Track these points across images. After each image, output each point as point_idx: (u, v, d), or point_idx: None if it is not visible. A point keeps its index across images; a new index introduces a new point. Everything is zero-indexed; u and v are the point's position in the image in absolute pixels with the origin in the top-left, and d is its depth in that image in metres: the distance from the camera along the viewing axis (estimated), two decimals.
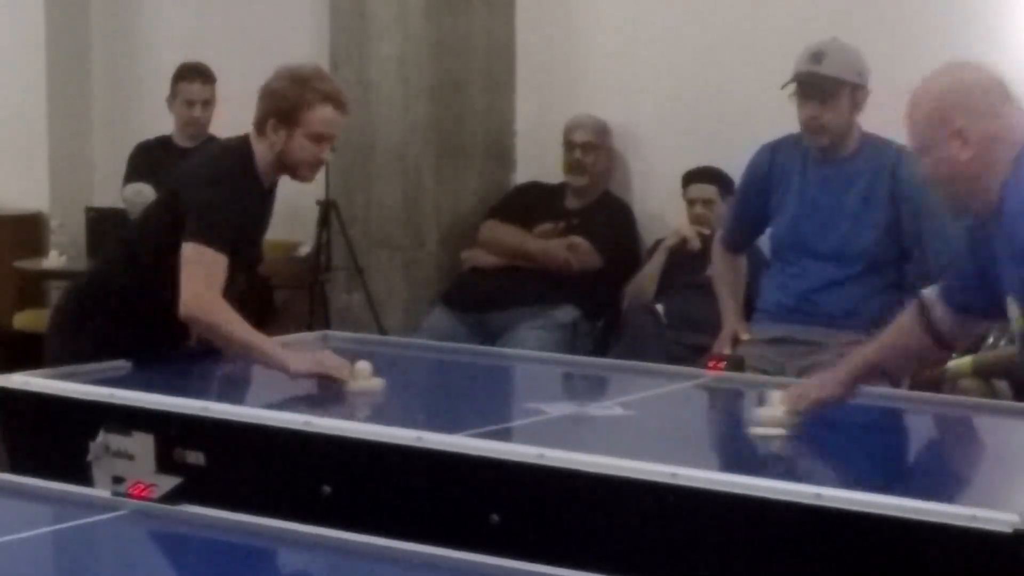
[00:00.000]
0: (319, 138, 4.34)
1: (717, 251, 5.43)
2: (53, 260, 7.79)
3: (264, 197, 4.47)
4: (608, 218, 6.79)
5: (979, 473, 3.80)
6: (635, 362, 4.97)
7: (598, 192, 6.88)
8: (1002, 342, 5.26)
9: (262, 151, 4.36)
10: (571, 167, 6.84)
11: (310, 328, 6.18)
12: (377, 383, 4.17)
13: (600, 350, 6.30)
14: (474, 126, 7.14)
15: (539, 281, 6.64)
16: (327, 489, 3.53)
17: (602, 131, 6.88)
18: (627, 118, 6.93)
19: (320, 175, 6.77)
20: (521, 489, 3.37)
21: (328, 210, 6.82)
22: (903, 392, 4.69)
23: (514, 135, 7.28)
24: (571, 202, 6.87)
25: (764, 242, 5.50)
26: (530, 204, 6.91)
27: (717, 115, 6.68)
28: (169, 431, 3.73)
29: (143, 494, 3.04)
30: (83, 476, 3.67)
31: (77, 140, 8.43)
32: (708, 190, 6.49)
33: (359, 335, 5.72)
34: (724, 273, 5.36)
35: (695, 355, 5.55)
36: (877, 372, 3.87)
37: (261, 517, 2.95)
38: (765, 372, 4.84)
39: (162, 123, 7.10)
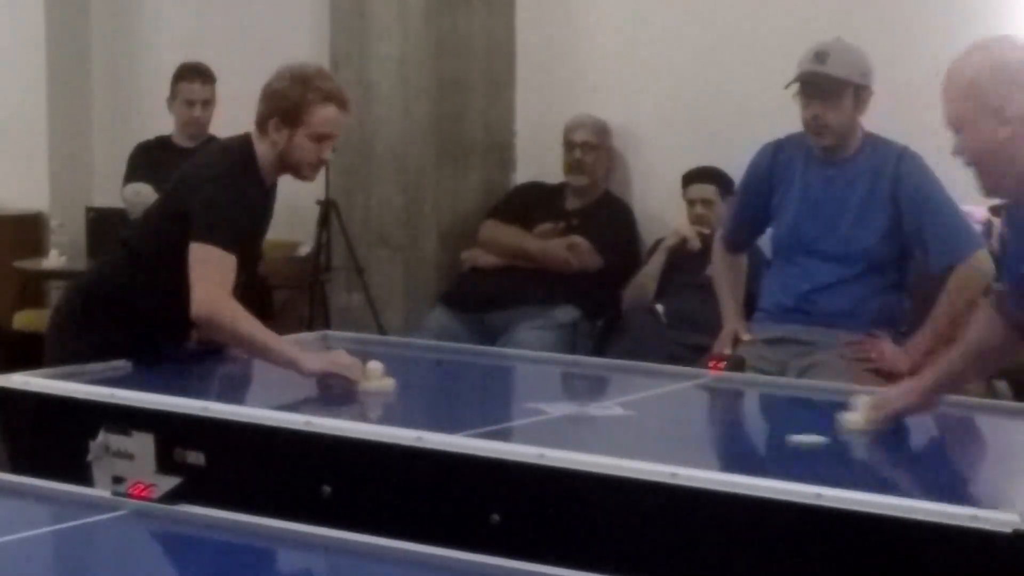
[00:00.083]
0: (321, 137, 4.34)
1: (717, 250, 5.43)
2: (53, 260, 7.79)
3: (265, 196, 4.48)
4: (608, 218, 6.79)
5: (979, 473, 3.81)
6: (635, 362, 4.96)
7: (598, 192, 6.88)
8: None
9: (264, 150, 4.36)
10: (571, 167, 6.84)
11: (310, 328, 6.18)
12: (389, 383, 4.18)
13: (600, 350, 6.30)
14: (474, 126, 7.14)
15: (539, 281, 6.64)
16: (327, 489, 3.53)
17: (602, 131, 6.88)
18: (627, 118, 6.94)
19: (320, 175, 6.81)
20: (521, 489, 3.37)
21: (328, 210, 6.82)
22: None
23: (514, 135, 7.29)
24: (571, 202, 6.87)
25: (764, 242, 5.50)
26: (530, 204, 6.91)
27: (717, 115, 6.68)
28: (169, 431, 3.73)
29: (143, 494, 3.04)
30: (83, 476, 3.67)
31: (77, 140, 8.44)
32: (708, 190, 6.49)
33: (359, 335, 5.72)
34: (724, 273, 5.36)
35: (695, 355, 5.55)
36: (962, 379, 3.82)
37: (261, 517, 2.95)
38: (765, 372, 4.84)
39: (162, 123, 7.10)
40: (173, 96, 6.94)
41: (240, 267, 4.35)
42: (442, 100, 6.99)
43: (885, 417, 3.73)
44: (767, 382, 4.65)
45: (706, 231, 6.33)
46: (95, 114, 8.47)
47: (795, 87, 4.99)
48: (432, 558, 2.77)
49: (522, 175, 7.23)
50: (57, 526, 3.13)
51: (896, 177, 4.97)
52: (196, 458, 3.68)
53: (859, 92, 4.98)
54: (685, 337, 6.04)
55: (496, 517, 3.34)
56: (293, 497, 3.52)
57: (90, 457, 3.74)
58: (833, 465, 3.71)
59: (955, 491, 3.35)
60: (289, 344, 4.28)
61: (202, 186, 4.33)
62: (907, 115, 5.66)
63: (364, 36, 6.99)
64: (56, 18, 8.35)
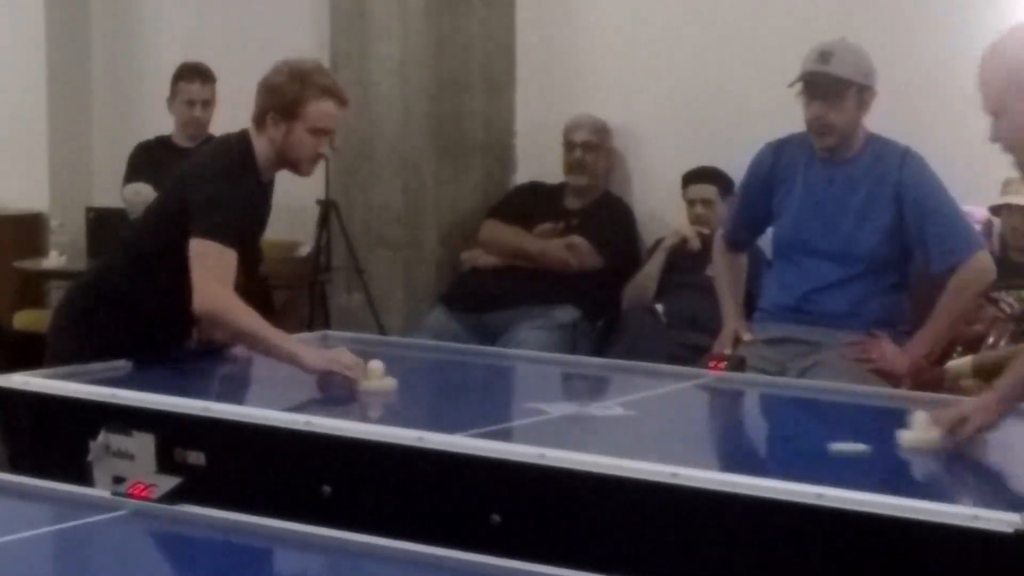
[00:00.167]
0: (319, 132, 4.35)
1: (718, 250, 5.42)
2: (53, 260, 7.79)
3: (264, 192, 4.48)
4: (608, 218, 6.79)
5: (980, 473, 3.80)
6: (635, 362, 4.96)
7: (598, 192, 6.88)
8: (1002, 342, 5.26)
9: (261, 146, 4.37)
10: (571, 167, 6.84)
11: (310, 328, 6.18)
12: (390, 382, 4.18)
13: (600, 350, 6.30)
14: (474, 126, 7.13)
15: (539, 281, 6.64)
16: (327, 489, 3.53)
17: (602, 131, 6.88)
18: (627, 118, 6.93)
19: (320, 175, 6.82)
20: (522, 489, 3.37)
21: (328, 210, 6.82)
22: (903, 392, 4.69)
23: (514, 135, 7.29)
24: (571, 202, 6.87)
25: (765, 242, 5.50)
26: (530, 204, 6.91)
27: (717, 115, 6.68)
28: (170, 431, 3.72)
29: (143, 494, 3.04)
30: (83, 476, 3.67)
31: (77, 140, 8.44)
32: (708, 190, 6.49)
33: (359, 335, 5.72)
34: (725, 272, 5.36)
35: (695, 355, 5.55)
36: None
37: (261, 517, 2.95)
38: (766, 372, 4.84)
39: (162, 123, 7.10)
40: (173, 96, 6.94)
41: (240, 264, 4.35)
42: (442, 100, 6.99)
43: (968, 436, 3.55)
44: (767, 382, 4.65)
45: (706, 231, 6.33)
46: (95, 114, 8.47)
47: (798, 86, 4.99)
48: (432, 558, 2.77)
49: (522, 175, 7.23)
50: (57, 526, 3.13)
51: (899, 177, 4.96)
52: (196, 458, 3.68)
53: (862, 92, 4.97)
54: (685, 337, 6.04)
55: (496, 517, 3.33)
56: (293, 497, 3.51)
57: (90, 457, 3.73)
58: (834, 465, 3.71)
59: (956, 491, 3.35)
60: (291, 340, 4.28)
61: (201, 182, 4.33)
62: (907, 115, 5.67)
63: (364, 36, 6.99)
64: (56, 18, 8.35)
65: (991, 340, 5.28)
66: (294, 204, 7.30)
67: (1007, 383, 3.67)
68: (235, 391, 4.56)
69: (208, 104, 6.87)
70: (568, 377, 4.93)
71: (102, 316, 4.43)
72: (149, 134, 7.14)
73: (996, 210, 5.87)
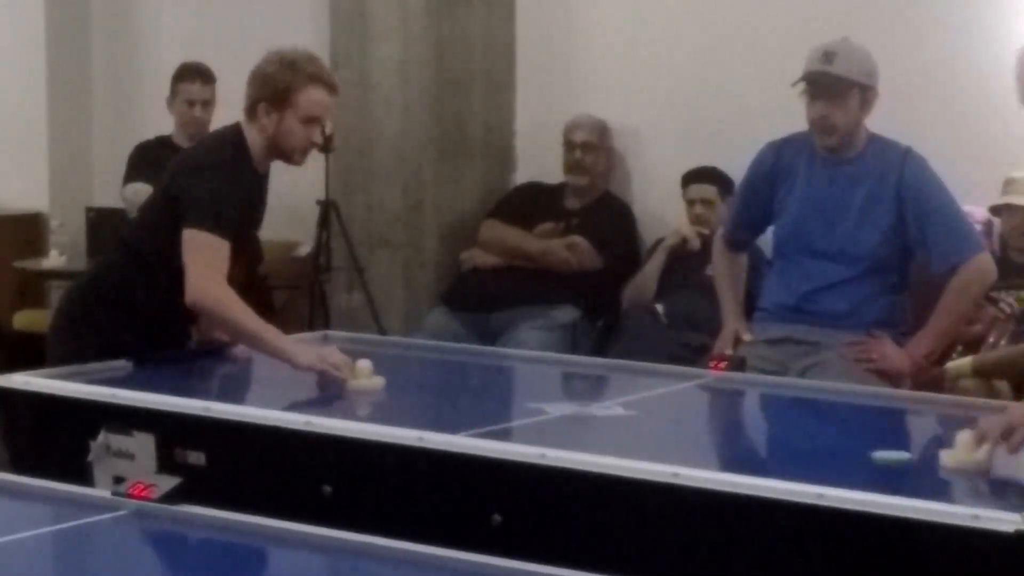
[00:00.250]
0: (310, 120, 4.36)
1: (718, 249, 5.42)
2: (53, 260, 7.80)
3: (259, 183, 4.48)
4: (608, 218, 6.79)
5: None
6: (635, 362, 4.96)
7: (598, 192, 6.87)
8: (1002, 342, 5.26)
9: (254, 136, 4.38)
10: (571, 167, 6.84)
11: (310, 328, 6.18)
12: (378, 382, 4.18)
13: (600, 350, 6.30)
14: (474, 126, 7.13)
15: (539, 281, 6.64)
16: (328, 489, 3.53)
17: (602, 131, 6.88)
18: (627, 118, 6.93)
19: (320, 175, 6.83)
20: (523, 489, 3.37)
21: (328, 210, 6.82)
22: (903, 392, 4.70)
23: (514, 135, 7.28)
24: (571, 202, 6.87)
25: (764, 241, 5.50)
26: (530, 204, 6.91)
27: (717, 115, 6.68)
28: (170, 431, 3.72)
29: (143, 494, 3.04)
30: (83, 476, 3.67)
31: (77, 140, 8.44)
32: (708, 190, 6.49)
33: (359, 335, 5.72)
34: (725, 272, 5.36)
35: (695, 355, 5.55)
36: None
37: (261, 517, 2.95)
38: (766, 372, 4.84)
39: (162, 123, 7.09)
40: (173, 96, 6.94)
41: (236, 257, 4.36)
42: (442, 100, 6.99)
43: (1017, 444, 3.36)
44: (767, 382, 4.65)
45: (706, 231, 6.33)
46: (95, 114, 8.46)
47: (800, 86, 4.99)
48: (432, 558, 2.77)
49: (522, 175, 7.23)
50: (57, 526, 3.13)
51: (900, 178, 4.96)
52: (196, 458, 3.68)
53: (865, 92, 4.97)
54: (685, 337, 6.04)
55: (497, 517, 3.33)
56: (293, 497, 3.51)
57: (90, 457, 3.73)
58: (834, 465, 3.70)
59: (957, 491, 3.35)
60: (282, 336, 4.28)
61: (194, 174, 4.34)
62: (907, 115, 5.67)
63: (364, 36, 6.99)
64: (56, 18, 8.35)
65: (991, 340, 5.28)
66: (294, 204, 7.30)
67: None
68: (235, 391, 4.56)
69: (208, 104, 6.87)
70: (568, 377, 4.92)
71: (102, 315, 4.43)
72: (149, 134, 7.13)
73: (996, 210, 5.87)
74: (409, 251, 7.02)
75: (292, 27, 7.57)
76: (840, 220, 4.99)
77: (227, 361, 4.50)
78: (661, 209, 6.82)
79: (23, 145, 8.36)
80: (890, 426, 4.29)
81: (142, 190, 6.47)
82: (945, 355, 5.13)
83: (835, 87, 4.94)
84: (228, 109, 6.52)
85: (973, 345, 5.28)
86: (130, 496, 3.05)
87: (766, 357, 4.96)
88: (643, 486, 3.22)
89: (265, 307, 6.91)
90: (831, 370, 4.81)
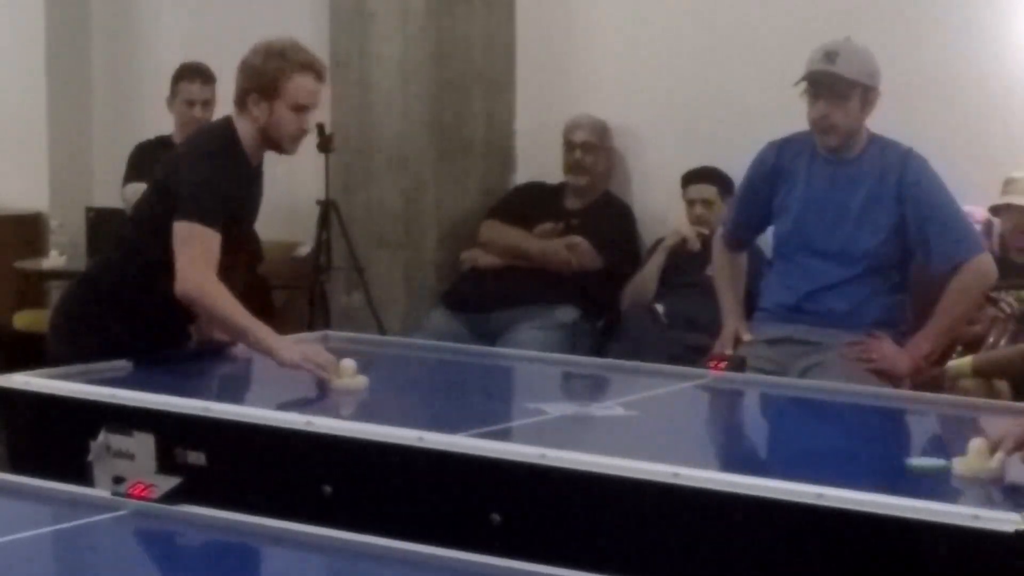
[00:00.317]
0: (300, 108, 4.38)
1: (718, 248, 5.42)
2: (53, 260, 7.80)
3: (252, 175, 4.48)
4: (608, 218, 6.79)
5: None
6: (635, 362, 4.96)
7: (598, 192, 6.87)
8: (1002, 342, 5.26)
9: (245, 127, 4.39)
10: (571, 167, 6.84)
11: (310, 328, 6.18)
12: (361, 381, 4.18)
13: (600, 350, 6.30)
14: (474, 126, 7.13)
15: (539, 281, 6.64)
16: (328, 489, 3.53)
17: (602, 131, 6.88)
18: (627, 118, 6.93)
19: (320, 175, 6.83)
20: (522, 489, 3.37)
21: (328, 210, 6.82)
22: (903, 392, 4.70)
23: (514, 135, 7.28)
24: (571, 202, 6.87)
25: (764, 241, 5.50)
26: (530, 204, 6.90)
27: (717, 115, 6.68)
28: (170, 431, 3.72)
29: (143, 494, 3.04)
30: (83, 476, 3.66)
31: (77, 140, 8.44)
32: (708, 190, 6.49)
33: (359, 335, 5.72)
34: (725, 271, 5.36)
35: (695, 355, 5.54)
36: None
37: (261, 517, 2.95)
38: (767, 372, 4.84)
39: (162, 123, 7.09)
40: (173, 96, 6.94)
41: (232, 250, 4.36)
42: (442, 100, 6.99)
43: None
44: (768, 382, 4.65)
45: (706, 231, 6.33)
46: (95, 114, 8.47)
47: (802, 86, 4.99)
48: (432, 558, 2.77)
49: (522, 175, 7.23)
50: (57, 526, 3.13)
51: (901, 178, 4.96)
52: (196, 458, 3.68)
53: (867, 93, 4.97)
54: (685, 337, 6.04)
55: (496, 517, 3.33)
56: (293, 497, 3.51)
57: (90, 457, 3.73)
58: (835, 465, 3.70)
59: (957, 491, 3.34)
60: (269, 331, 4.28)
61: (184, 167, 4.36)
62: (908, 115, 5.67)
63: (364, 36, 6.99)
64: (56, 18, 8.35)
65: (991, 340, 5.28)
66: (294, 204, 7.31)
67: None
68: (235, 391, 4.56)
69: (208, 104, 6.87)
70: (568, 377, 4.92)
71: (100, 313, 4.43)
72: (149, 134, 7.14)
73: (996, 210, 5.87)
74: (409, 251, 7.02)
75: (292, 27, 7.51)
76: (840, 220, 4.99)
77: (227, 361, 4.50)
78: (661, 209, 6.82)
79: (23, 145, 8.37)
80: (890, 426, 4.29)
81: (142, 190, 6.47)
82: (945, 355, 5.13)
83: (837, 87, 4.93)
84: (228, 109, 6.52)
85: (973, 345, 5.28)
86: (130, 496, 3.05)
87: (766, 357, 4.95)
88: (643, 486, 3.22)
89: (265, 307, 6.92)
90: (831, 370, 4.81)
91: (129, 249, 4.50)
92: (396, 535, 2.84)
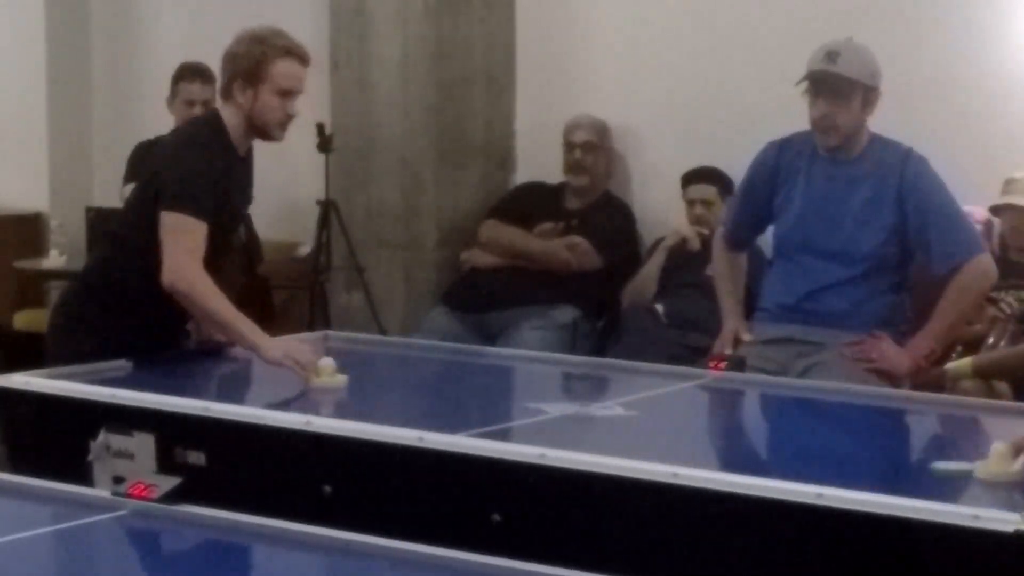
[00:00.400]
0: (285, 93, 4.40)
1: (718, 248, 5.42)
2: (53, 260, 7.80)
3: (242, 165, 4.48)
4: (608, 218, 6.79)
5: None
6: (635, 362, 4.96)
7: (598, 192, 6.87)
8: (1002, 342, 5.26)
9: (231, 116, 4.41)
10: (571, 167, 6.84)
11: (310, 328, 6.18)
12: (340, 380, 4.19)
13: (600, 350, 6.30)
14: (474, 126, 7.13)
15: (539, 281, 6.64)
16: (328, 489, 3.53)
17: (602, 131, 6.88)
18: (627, 118, 6.93)
19: (320, 175, 6.83)
20: (522, 489, 3.37)
21: (328, 210, 6.81)
22: (903, 392, 4.70)
23: (514, 135, 7.28)
24: (571, 202, 6.87)
25: (764, 241, 5.50)
26: (530, 204, 6.90)
27: (717, 115, 6.68)
28: (170, 431, 3.72)
29: (143, 494, 3.04)
30: (83, 476, 3.66)
31: (77, 140, 8.44)
32: (708, 190, 6.49)
33: (359, 335, 5.72)
34: (725, 271, 5.35)
35: (695, 355, 5.54)
36: None
37: (261, 517, 2.95)
38: (766, 372, 4.84)
39: (162, 123, 7.07)
40: (173, 96, 6.93)
41: (222, 240, 4.37)
42: (442, 100, 6.99)
43: None
44: (767, 382, 4.65)
45: (706, 231, 6.33)
46: (95, 114, 8.46)
47: (803, 85, 4.99)
48: (432, 558, 2.77)
49: (522, 175, 7.23)
50: (57, 526, 3.13)
51: (901, 178, 4.96)
52: (196, 458, 3.68)
53: (868, 93, 4.97)
54: (685, 337, 6.04)
55: (497, 517, 3.33)
56: (293, 497, 3.51)
57: (90, 457, 3.73)
58: (836, 465, 3.70)
59: (957, 491, 3.34)
60: (253, 326, 4.28)
61: (170, 159, 4.37)
62: (908, 115, 5.67)
63: (364, 36, 6.99)
64: (56, 18, 8.35)
65: (991, 340, 5.28)
66: (294, 204, 7.32)
67: None
68: (235, 391, 4.56)
69: (208, 104, 6.83)
70: (568, 377, 4.92)
71: (97, 310, 4.43)
72: (149, 134, 7.12)
73: (996, 210, 5.87)
74: (409, 251, 7.02)
75: (292, 27, 7.49)
76: (841, 220, 4.99)
77: (227, 361, 4.50)
78: (661, 209, 6.81)
79: (23, 145, 8.36)
80: (890, 426, 4.29)
81: None
82: (945, 355, 5.13)
83: (838, 87, 4.93)
84: None
85: (973, 345, 5.28)
86: (130, 496, 3.05)
87: (766, 357, 4.95)
88: (643, 486, 3.22)
89: (265, 307, 6.93)
90: (831, 370, 4.81)
91: (121, 245, 4.51)
92: (396, 535, 2.84)
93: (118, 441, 3.70)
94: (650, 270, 6.49)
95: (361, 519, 3.04)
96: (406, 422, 3.67)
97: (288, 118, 4.44)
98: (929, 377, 5.00)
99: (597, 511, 3.30)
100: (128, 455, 3.68)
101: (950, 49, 6.25)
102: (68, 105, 8.40)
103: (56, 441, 3.96)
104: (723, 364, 4.68)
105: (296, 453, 3.64)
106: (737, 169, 5.60)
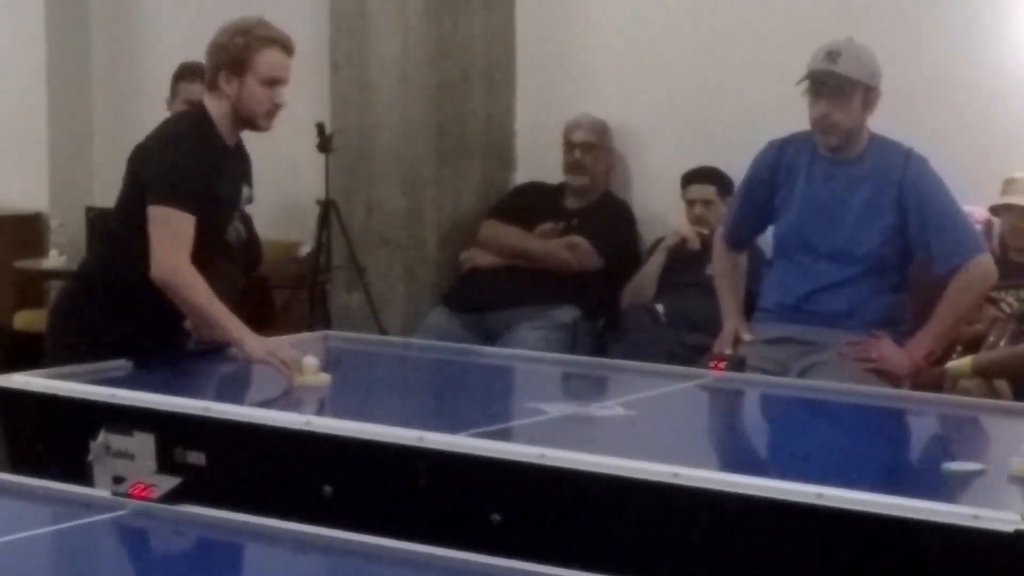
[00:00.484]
0: (271, 82, 4.40)
1: (718, 248, 5.42)
2: (53, 260, 7.80)
3: (233, 156, 4.48)
4: (608, 218, 6.79)
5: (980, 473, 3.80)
6: (635, 362, 4.96)
7: (598, 192, 6.87)
8: (1002, 342, 5.26)
9: (218, 107, 4.41)
10: (571, 167, 6.84)
11: (310, 328, 6.17)
12: (323, 379, 4.19)
13: (600, 350, 6.30)
14: (474, 126, 7.13)
15: (539, 281, 6.63)
16: (328, 489, 3.53)
17: (602, 131, 6.88)
18: (627, 118, 6.93)
19: (320, 175, 6.83)
20: (522, 489, 3.37)
21: (328, 210, 6.82)
22: (903, 392, 4.70)
23: (514, 135, 7.28)
24: (571, 202, 6.87)
25: (764, 241, 5.50)
26: (530, 204, 6.90)
27: (717, 115, 6.68)
28: (170, 431, 3.72)
29: (143, 494, 3.04)
30: (83, 476, 3.67)
31: (77, 140, 8.43)
32: (708, 190, 6.49)
33: (359, 335, 5.72)
34: (725, 271, 5.35)
35: (695, 355, 5.55)
36: None
37: (261, 517, 2.95)
38: (766, 372, 4.84)
39: None
40: (173, 96, 6.92)
41: (214, 234, 4.37)
42: (442, 100, 6.99)
43: None
44: (767, 382, 4.65)
45: (706, 231, 6.33)
46: (95, 114, 8.46)
47: (803, 85, 4.99)
48: (432, 558, 2.77)
49: (522, 175, 7.23)
50: (57, 526, 3.13)
51: (901, 178, 4.96)
52: (196, 458, 3.68)
53: (868, 93, 4.97)
54: (685, 337, 6.04)
55: (496, 517, 3.33)
56: (293, 497, 3.51)
57: (90, 457, 3.73)
58: (836, 465, 3.70)
59: (956, 491, 3.35)
60: (239, 323, 4.28)
61: (154, 152, 4.38)
62: (908, 115, 5.67)
63: (364, 36, 6.99)
64: (56, 18, 8.35)
65: (991, 340, 5.28)
66: (294, 204, 7.31)
67: None
68: (235, 391, 4.56)
69: None
70: (568, 377, 4.92)
71: (93, 309, 4.43)
72: None
73: (996, 210, 5.87)
74: (409, 251, 7.02)
75: (292, 27, 7.48)
76: (841, 220, 4.99)
77: (227, 361, 4.50)
78: (661, 209, 6.82)
79: (23, 145, 8.37)
80: (890, 426, 4.29)
81: None
82: (945, 355, 5.13)
83: (839, 86, 4.93)
84: None
85: (973, 345, 5.28)
86: (130, 496, 3.05)
87: (766, 357, 4.95)
88: (643, 486, 3.22)
89: (265, 307, 6.93)
90: (831, 370, 4.81)
91: (115, 243, 4.51)
92: (396, 535, 2.84)
93: (118, 441, 3.70)
94: (650, 270, 6.49)
95: (361, 519, 3.03)
96: (406, 422, 3.67)
97: (275, 107, 4.43)
98: (929, 377, 5.00)
99: (597, 511, 3.30)
100: (128, 455, 3.69)
101: (950, 49, 6.25)
102: (68, 105, 8.40)
103: (56, 441, 3.96)
104: (723, 364, 4.69)
105: (296, 453, 3.64)
106: (737, 169, 5.60)
